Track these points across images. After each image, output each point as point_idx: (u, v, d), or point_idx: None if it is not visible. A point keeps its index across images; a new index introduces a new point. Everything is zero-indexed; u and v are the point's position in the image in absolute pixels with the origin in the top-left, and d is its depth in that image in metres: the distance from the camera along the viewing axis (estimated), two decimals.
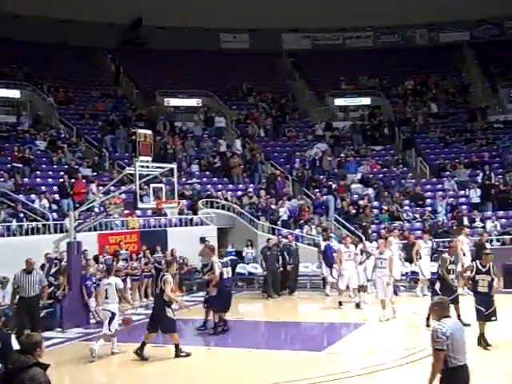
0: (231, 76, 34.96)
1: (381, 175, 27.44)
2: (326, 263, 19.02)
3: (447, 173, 27.15)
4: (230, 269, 14.53)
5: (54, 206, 21.01)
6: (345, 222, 23.71)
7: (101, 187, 21.65)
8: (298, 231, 23.05)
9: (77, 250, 15.85)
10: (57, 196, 21.73)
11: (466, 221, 23.43)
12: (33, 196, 21.06)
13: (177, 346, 11.98)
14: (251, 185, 26.68)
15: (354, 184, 26.59)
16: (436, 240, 20.55)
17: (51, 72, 32.08)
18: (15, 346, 7.18)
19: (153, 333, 12.13)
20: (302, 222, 23.82)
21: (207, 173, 27.37)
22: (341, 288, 17.16)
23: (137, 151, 15.65)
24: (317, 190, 25.94)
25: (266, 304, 18.74)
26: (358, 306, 16.58)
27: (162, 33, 35.57)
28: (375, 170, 27.98)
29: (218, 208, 24.20)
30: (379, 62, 35.91)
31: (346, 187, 26.05)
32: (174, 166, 17.88)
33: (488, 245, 19.63)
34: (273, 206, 24.53)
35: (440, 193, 25.85)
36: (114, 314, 12.45)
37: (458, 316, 12.39)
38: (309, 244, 22.33)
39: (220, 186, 26.35)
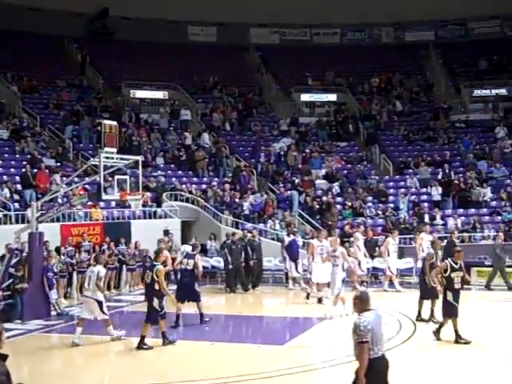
0: (198, 69, 34.86)
1: (345, 171, 27.70)
2: (290, 258, 19.13)
3: (410, 170, 27.53)
4: (191, 260, 14.48)
5: (16, 196, 20.76)
6: (308, 218, 23.91)
7: (64, 178, 21.44)
8: (261, 226, 23.15)
9: (38, 241, 15.68)
10: (19, 186, 21.46)
11: (426, 218, 23.85)
12: None
13: (143, 338, 12.00)
14: (216, 178, 26.70)
15: (319, 180, 26.79)
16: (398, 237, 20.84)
17: (15, 60, 31.56)
18: None
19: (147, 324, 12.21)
20: (265, 216, 23.94)
21: (172, 166, 27.30)
22: (314, 282, 17.11)
23: (102, 142, 15.56)
24: (281, 185, 26.08)
25: (228, 298, 18.80)
26: (320, 301, 16.73)
27: (128, 24, 35.28)
28: (339, 166, 28.23)
29: (182, 201, 24.17)
30: (345, 59, 36.20)
31: (310, 183, 26.24)
32: (139, 158, 17.82)
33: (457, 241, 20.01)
34: (237, 200, 24.60)
35: (402, 190, 26.27)
36: (100, 302, 12.55)
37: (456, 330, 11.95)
38: (272, 239, 22.47)
39: (185, 179, 26.32)
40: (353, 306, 6.80)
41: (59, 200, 19.71)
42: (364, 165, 28.22)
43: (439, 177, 26.29)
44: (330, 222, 22.51)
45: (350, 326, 11.89)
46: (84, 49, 34.14)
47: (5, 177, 21.94)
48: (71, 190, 19.52)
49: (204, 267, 21.52)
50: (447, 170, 26.32)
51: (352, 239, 19.58)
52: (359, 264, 18.76)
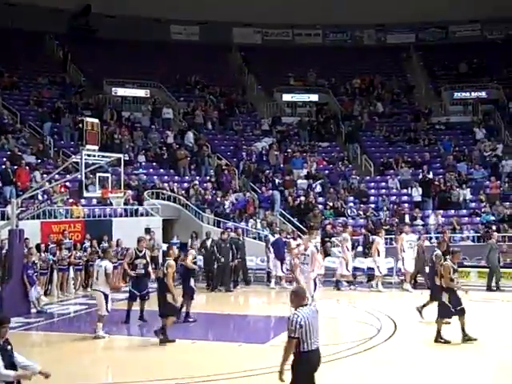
0: (180, 68, 34.80)
1: (326, 171, 27.82)
2: (276, 257, 19.11)
3: (391, 171, 27.71)
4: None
5: None
6: (290, 217, 23.99)
7: (45, 175, 21.32)
8: (243, 225, 23.17)
9: (19, 238, 15.57)
10: None
11: (407, 218, 24.04)
12: None
13: (163, 328, 12.12)
14: (197, 177, 26.69)
15: (300, 179, 26.87)
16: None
17: None
18: None
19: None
20: (247, 215, 23.98)
21: (154, 164, 27.23)
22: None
23: (83, 140, 15.51)
24: (263, 185, 26.12)
25: (209, 296, 18.80)
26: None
27: (111, 21, 35.06)
28: (321, 166, 28.34)
29: (163, 199, 24.12)
30: (327, 60, 36.33)
31: (291, 182, 26.32)
32: (121, 155, 17.81)
33: (427, 242, 20.17)
34: (218, 199, 24.61)
35: (383, 190, 26.48)
36: (106, 295, 12.70)
37: (463, 328, 11.92)
38: (254, 238, 22.50)
39: (166, 177, 26.28)
40: (290, 302, 7.00)
41: (39, 197, 19.60)
42: (345, 165, 28.37)
43: (419, 178, 26.52)
44: (312, 224, 22.51)
45: (332, 325, 11.95)
46: (66, 46, 33.87)
47: None
48: (52, 188, 19.40)
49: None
50: (427, 172, 26.58)
51: (335, 239, 19.68)
52: (346, 265, 18.89)
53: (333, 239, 21.65)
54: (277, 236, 19.80)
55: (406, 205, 25.58)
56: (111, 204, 21.79)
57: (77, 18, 35.14)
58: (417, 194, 25.67)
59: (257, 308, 17.64)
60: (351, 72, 35.77)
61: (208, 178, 26.50)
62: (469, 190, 25.78)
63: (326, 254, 20.19)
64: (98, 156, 16.06)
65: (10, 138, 24.65)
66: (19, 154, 23.31)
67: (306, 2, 34.63)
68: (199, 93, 33.76)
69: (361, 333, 13.16)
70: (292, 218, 23.95)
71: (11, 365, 6.40)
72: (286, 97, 34.35)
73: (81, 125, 16.42)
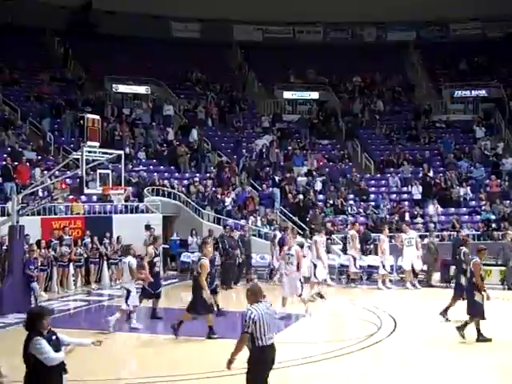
0: (181, 65, 34.79)
1: (327, 169, 27.84)
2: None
3: (391, 169, 27.74)
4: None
5: None
6: (290, 215, 24.02)
7: (45, 171, 21.32)
8: (243, 222, 23.17)
9: (19, 235, 15.58)
10: None
11: (407, 216, 24.08)
12: None
13: (210, 328, 12.30)
14: (197, 174, 26.70)
15: (301, 177, 26.88)
16: (378, 234, 21.02)
17: None
18: None
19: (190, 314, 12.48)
20: (247, 212, 23.99)
21: (154, 161, 27.25)
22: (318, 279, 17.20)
23: (85, 136, 15.52)
24: (263, 182, 26.13)
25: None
26: (321, 296, 16.87)
27: (111, 18, 34.99)
28: (321, 163, 28.35)
29: (163, 196, 24.13)
30: (328, 58, 36.25)
31: (292, 180, 26.34)
32: (122, 152, 17.80)
33: (419, 240, 20.12)
34: (219, 196, 24.63)
35: (383, 188, 26.51)
36: (129, 291, 13.01)
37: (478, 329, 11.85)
38: (254, 235, 22.50)
39: (166, 174, 26.30)
40: (246, 299, 7.15)
41: (40, 193, 19.62)
42: (346, 163, 28.39)
43: (420, 176, 26.56)
44: (313, 225, 22.51)
45: (328, 324, 11.92)
46: (66, 42, 33.83)
47: None
48: (53, 184, 19.41)
49: (185, 262, 21.82)
50: (427, 170, 26.61)
51: (335, 236, 19.68)
52: (354, 262, 18.91)
53: (333, 236, 21.69)
54: (283, 233, 19.72)
55: (406, 203, 25.62)
56: (112, 201, 21.79)
57: (77, 14, 35.08)
58: (417, 192, 25.70)
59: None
60: (352, 70, 35.74)
61: (208, 175, 26.50)
62: (469, 188, 25.82)
63: (328, 251, 20.22)
64: (99, 153, 16.07)
65: (10, 134, 24.64)
66: (20, 150, 23.33)
67: None
68: (200, 90, 33.75)
69: (361, 330, 13.20)
70: (292, 216, 23.96)
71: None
72: (287, 94, 34.36)
73: (82, 121, 16.40)
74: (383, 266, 18.92)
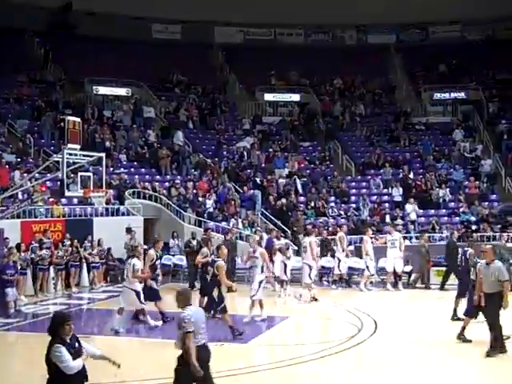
0: (162, 67, 34.72)
1: (308, 171, 27.93)
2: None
3: (372, 171, 27.89)
4: None
5: None
6: (271, 217, 24.08)
7: (25, 174, 21.17)
8: (224, 224, 23.19)
9: None
10: None
11: (388, 218, 24.24)
12: None
13: (231, 327, 12.43)
14: (179, 176, 26.67)
15: (282, 179, 26.93)
16: (359, 236, 21.15)
17: None
18: None
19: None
20: (228, 214, 24.00)
21: (135, 163, 27.17)
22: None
23: (65, 138, 15.46)
24: (244, 184, 26.15)
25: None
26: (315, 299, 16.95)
27: (92, 19, 34.84)
28: (302, 165, 28.44)
29: (144, 198, 24.06)
30: (309, 60, 36.35)
31: (273, 182, 26.39)
32: (103, 155, 17.76)
33: (408, 242, 20.32)
34: (200, 199, 24.62)
35: (364, 190, 26.65)
36: (137, 292, 13.22)
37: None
38: (235, 238, 22.51)
39: (147, 176, 26.23)
40: (176, 302, 7.40)
41: (20, 196, 19.49)
42: (327, 165, 28.50)
43: (400, 177, 26.75)
44: (295, 228, 22.54)
45: (311, 325, 11.93)
46: (46, 43, 33.62)
47: None
48: (32, 187, 19.28)
49: (166, 265, 21.77)
50: (407, 172, 26.82)
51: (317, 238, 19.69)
52: (339, 263, 18.96)
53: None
54: (269, 235, 19.70)
55: (387, 204, 25.78)
56: (92, 203, 21.71)
57: (57, 15, 34.86)
58: (397, 193, 25.85)
59: (239, 307, 17.62)
60: (333, 72, 35.88)
61: (189, 177, 26.46)
62: (448, 190, 26.03)
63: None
64: (80, 155, 16.03)
65: None
66: None
67: (288, 1, 34.69)
68: (180, 92, 33.70)
69: (342, 332, 13.26)
70: (274, 218, 24.02)
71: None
72: (268, 96, 34.40)
73: (62, 123, 16.38)
74: (367, 268, 18.99)
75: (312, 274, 17.14)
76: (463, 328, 11.87)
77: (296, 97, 34.47)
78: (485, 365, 10.63)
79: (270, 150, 29.06)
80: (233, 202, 24.61)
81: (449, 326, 13.20)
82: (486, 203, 25.03)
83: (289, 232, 22.41)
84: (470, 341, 11.74)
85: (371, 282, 19.40)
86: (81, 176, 16.47)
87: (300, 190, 26.26)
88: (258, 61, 35.77)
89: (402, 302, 17.44)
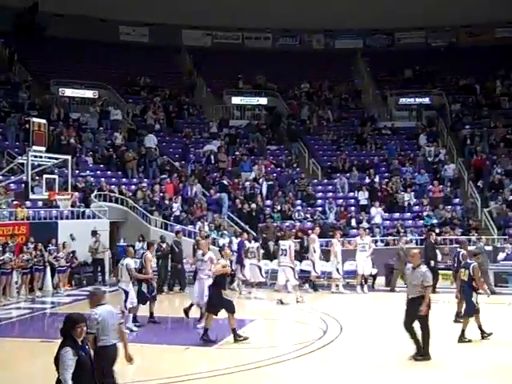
0: (129, 69, 34.60)
1: (274, 174, 28.04)
2: (237, 260, 18.60)
3: (338, 174, 28.12)
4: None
5: None
6: (238, 220, 24.14)
7: None
8: (190, 227, 23.16)
9: None
10: None
11: (353, 222, 24.48)
12: None
13: (234, 330, 12.44)
14: (145, 179, 26.58)
15: (248, 182, 27.00)
16: (326, 240, 21.30)
17: None
18: None
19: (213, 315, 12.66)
20: (194, 218, 23.99)
21: (101, 166, 27.00)
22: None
23: (30, 140, 15.35)
24: (211, 187, 26.16)
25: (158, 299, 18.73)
26: (281, 302, 17.10)
27: (59, 20, 34.57)
28: (269, 169, 28.55)
29: (111, 201, 23.92)
30: (277, 64, 36.59)
31: (239, 185, 26.46)
32: (68, 157, 17.66)
33: (373, 245, 20.52)
34: (166, 202, 24.58)
35: (330, 194, 26.87)
36: (126, 292, 13.28)
37: (463, 330, 12.28)
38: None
39: (114, 179, 26.10)
40: (89, 302, 7.62)
41: None
42: (293, 168, 28.66)
43: (366, 181, 27.03)
44: (265, 235, 22.59)
45: (278, 328, 11.98)
46: (12, 44, 33.20)
47: None
48: None
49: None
50: (373, 175, 27.12)
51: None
52: (313, 266, 19.05)
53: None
54: (239, 238, 19.69)
55: (353, 208, 26.03)
56: (58, 206, 21.51)
57: (23, 16, 34.49)
58: (363, 197, 26.11)
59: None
60: (300, 76, 36.11)
61: (156, 180, 26.38)
62: (413, 193, 26.38)
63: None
64: (45, 157, 15.92)
65: None
66: None
67: (256, 5, 34.85)
68: (148, 94, 33.59)
69: (307, 335, 13.38)
70: (239, 221, 24.08)
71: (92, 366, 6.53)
72: (235, 100, 34.47)
73: (27, 125, 16.24)
74: (337, 271, 19.15)
75: (296, 275, 17.55)
76: (463, 331, 12.22)
77: (263, 100, 34.61)
78: (448, 366, 10.81)
79: (237, 153, 29.13)
80: (199, 205, 24.63)
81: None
82: (449, 207, 25.44)
83: (254, 235, 22.44)
84: (470, 341, 12.14)
85: (337, 285, 19.53)
86: (46, 178, 16.39)
87: (264, 193, 26.29)
88: (226, 64, 35.87)
89: (367, 304, 17.61)
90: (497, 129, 30.22)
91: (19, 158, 16.91)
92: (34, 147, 15.13)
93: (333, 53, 38.08)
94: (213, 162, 28.40)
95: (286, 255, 17.43)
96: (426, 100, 33.92)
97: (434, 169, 28.18)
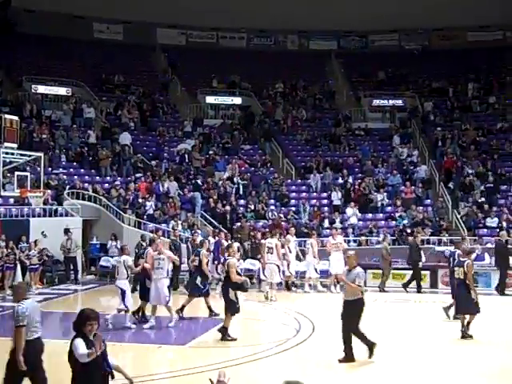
0: (103, 67, 34.40)
1: (248, 174, 28.08)
2: (214, 259, 18.40)
3: (312, 175, 28.25)
4: None
5: None
6: (211, 219, 24.13)
7: None
8: (163, 226, 23.09)
9: None
10: None
11: (327, 222, 24.62)
12: None
13: (225, 329, 12.42)
14: (119, 178, 26.44)
15: (222, 181, 27.00)
16: (299, 239, 21.37)
17: None
18: None
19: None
20: (167, 217, 23.93)
21: (74, 163, 26.80)
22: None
23: (1, 137, 15.20)
24: (184, 186, 26.11)
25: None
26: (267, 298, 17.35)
27: (32, 16, 34.22)
28: (243, 168, 28.59)
29: (84, 199, 23.76)
30: (251, 64, 36.68)
31: (213, 184, 26.45)
32: (41, 154, 17.52)
33: (346, 245, 20.64)
34: (140, 200, 24.48)
35: (304, 194, 26.99)
36: (123, 291, 13.26)
37: (463, 324, 12.64)
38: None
39: (87, 177, 25.94)
40: (14, 295, 7.73)
41: None
42: (267, 168, 28.73)
43: (340, 182, 27.20)
44: (240, 236, 22.60)
45: (251, 326, 12.03)
46: None
47: None
48: None
49: (104, 267, 21.60)
50: (347, 176, 27.31)
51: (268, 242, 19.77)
52: (288, 266, 19.12)
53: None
54: (217, 238, 19.67)
55: (326, 208, 26.17)
56: (30, 204, 21.31)
57: None
58: (336, 197, 26.25)
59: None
60: (274, 76, 36.24)
61: (129, 178, 26.27)
62: (385, 194, 26.60)
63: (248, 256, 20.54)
64: (17, 154, 15.78)
65: None
66: None
67: (231, 5, 34.86)
68: (122, 93, 33.40)
69: (280, 334, 13.44)
70: (213, 221, 24.08)
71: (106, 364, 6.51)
72: (210, 99, 34.49)
73: None
74: (316, 270, 19.26)
75: (281, 273, 17.92)
76: (468, 323, 12.52)
77: (238, 100, 34.67)
78: (420, 364, 10.96)
79: (211, 152, 29.12)
80: (173, 204, 24.58)
81: (385, 327, 13.55)
82: (421, 208, 25.70)
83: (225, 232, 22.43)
84: (470, 336, 12.48)
85: (310, 285, 19.63)
86: (17, 175, 16.22)
87: (239, 193, 26.35)
88: (200, 63, 35.87)
89: (340, 304, 17.71)
90: (468, 131, 30.63)
91: None
92: (6, 144, 15.02)
93: (307, 53, 38.27)
94: (187, 160, 28.36)
95: (272, 253, 17.78)
96: (399, 102, 34.30)
97: (406, 170, 28.45)
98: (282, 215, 25.00)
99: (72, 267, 20.88)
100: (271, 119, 32.69)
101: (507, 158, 28.80)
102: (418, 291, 19.11)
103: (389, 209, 26.20)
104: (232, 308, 12.56)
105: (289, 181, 28.52)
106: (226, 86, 35.57)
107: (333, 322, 14.26)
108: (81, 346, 6.26)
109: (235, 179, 27.02)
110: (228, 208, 24.58)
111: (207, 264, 15.60)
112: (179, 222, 23.34)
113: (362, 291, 10.80)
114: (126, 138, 28.27)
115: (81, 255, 21.73)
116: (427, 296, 18.58)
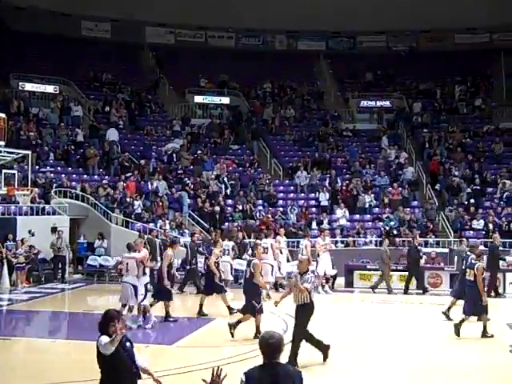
0: (91, 65, 34.25)
1: (236, 174, 28.10)
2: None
3: (299, 175, 28.30)
4: None
5: None
6: (199, 219, 24.13)
7: None
8: (151, 225, 23.07)
9: None
10: None
11: (314, 223, 24.67)
12: None
13: (257, 328, 12.46)
14: (107, 176, 26.38)
15: (210, 181, 27.01)
16: (287, 240, 21.42)
17: None
18: None
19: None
20: (155, 216, 23.91)
21: (62, 162, 26.70)
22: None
23: None
24: (172, 186, 26.09)
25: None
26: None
27: (20, 13, 34.06)
28: (231, 168, 28.60)
29: (71, 198, 23.69)
30: (239, 63, 36.67)
31: (201, 184, 26.44)
32: (29, 152, 17.44)
33: (333, 246, 20.72)
34: (128, 199, 24.44)
35: (292, 194, 27.03)
36: (135, 287, 13.10)
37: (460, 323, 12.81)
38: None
39: (75, 175, 25.86)
40: None
41: None
42: (255, 168, 28.76)
43: (327, 182, 27.26)
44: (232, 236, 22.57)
45: (239, 328, 12.08)
46: None
47: None
48: None
49: (91, 266, 21.56)
50: (334, 177, 27.37)
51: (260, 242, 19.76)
52: (279, 267, 19.13)
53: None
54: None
55: (314, 209, 26.23)
56: (17, 202, 21.22)
57: None
58: (324, 198, 26.32)
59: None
60: (263, 76, 36.27)
61: (117, 177, 26.20)
62: (373, 195, 26.69)
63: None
64: (4, 152, 15.71)
65: None
66: None
67: (220, 5, 34.86)
68: (109, 91, 33.30)
69: None
70: (201, 220, 24.08)
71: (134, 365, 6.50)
72: (198, 98, 34.47)
73: None
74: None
75: (274, 273, 18.22)
76: (484, 327, 12.69)
77: (226, 99, 34.67)
78: (406, 365, 11.03)
79: (199, 151, 29.10)
80: (161, 203, 24.55)
81: (371, 328, 13.62)
82: (408, 209, 25.81)
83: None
84: (491, 336, 12.69)
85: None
86: (4, 173, 16.15)
87: (228, 192, 26.34)
88: (189, 63, 35.81)
89: (328, 304, 17.78)
90: (454, 133, 30.79)
91: None
92: None
93: (295, 54, 38.30)
94: (175, 160, 28.33)
95: (267, 253, 18.04)
96: (387, 103, 34.44)
97: (394, 171, 28.56)
98: (269, 215, 25.02)
99: (60, 266, 20.81)
100: (259, 119, 32.74)
101: (493, 160, 28.99)
102: (423, 292, 19.08)
103: (376, 210, 26.30)
104: (251, 308, 12.67)
105: (276, 181, 28.56)
106: (214, 85, 35.56)
107: (319, 323, 14.37)
108: (104, 339, 6.30)
109: (223, 179, 27.01)
110: (217, 208, 24.57)
111: (218, 264, 15.62)
112: (167, 222, 23.34)
113: (310, 296, 10.77)
114: (113, 135, 28.19)
115: (68, 254, 21.65)
116: (414, 297, 18.66)
